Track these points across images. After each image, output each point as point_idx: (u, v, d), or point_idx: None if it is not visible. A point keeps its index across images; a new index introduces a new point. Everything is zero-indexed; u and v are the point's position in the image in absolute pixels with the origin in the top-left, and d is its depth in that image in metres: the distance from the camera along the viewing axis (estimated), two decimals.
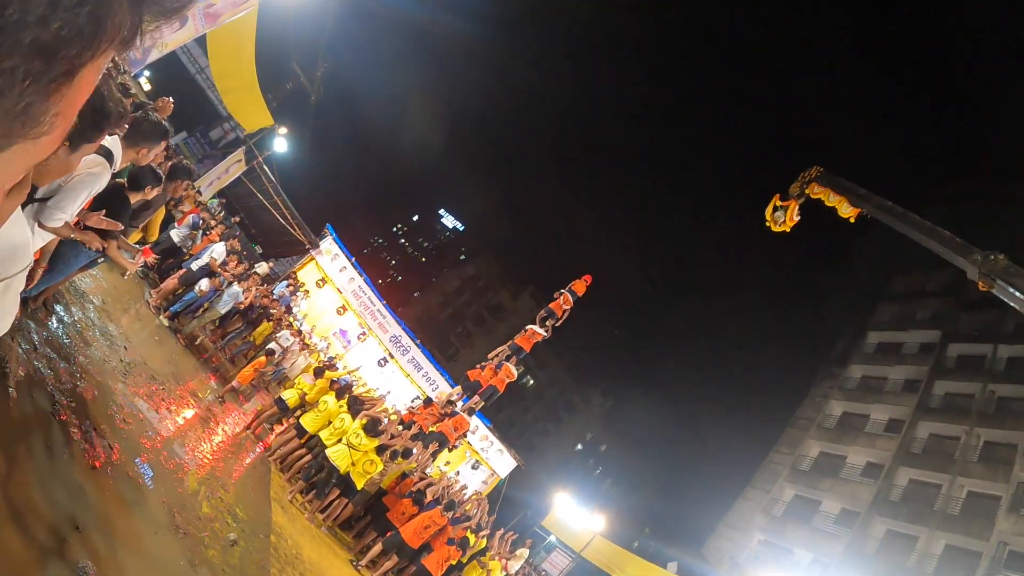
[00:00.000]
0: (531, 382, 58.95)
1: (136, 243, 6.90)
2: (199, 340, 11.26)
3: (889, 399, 30.95)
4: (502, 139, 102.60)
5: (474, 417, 14.67)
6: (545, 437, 59.87)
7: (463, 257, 68.57)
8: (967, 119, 72.55)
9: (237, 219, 22.63)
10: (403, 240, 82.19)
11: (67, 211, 3.16)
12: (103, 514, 3.47)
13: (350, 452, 8.44)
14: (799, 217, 10.80)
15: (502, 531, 10.90)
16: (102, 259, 4.71)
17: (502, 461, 18.79)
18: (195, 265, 10.78)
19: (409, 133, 78.79)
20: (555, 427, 61.19)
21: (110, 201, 4.01)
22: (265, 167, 19.42)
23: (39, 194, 3.10)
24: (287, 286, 16.64)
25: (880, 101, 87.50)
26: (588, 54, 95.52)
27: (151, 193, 4.51)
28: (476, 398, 12.88)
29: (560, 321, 14.20)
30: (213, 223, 12.98)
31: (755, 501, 31.85)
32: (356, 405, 9.08)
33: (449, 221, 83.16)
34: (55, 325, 5.05)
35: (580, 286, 14.61)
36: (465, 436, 13.17)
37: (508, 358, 13.39)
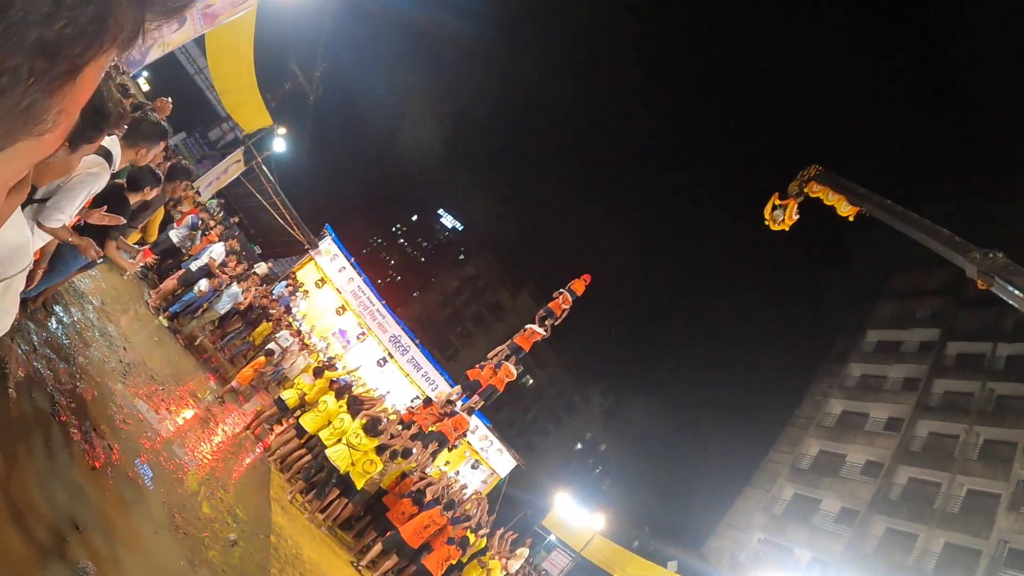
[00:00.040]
0: (531, 382, 58.97)
1: (135, 244, 6.89)
2: (198, 340, 11.26)
3: (889, 397, 30.96)
4: (501, 138, 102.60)
5: (474, 417, 14.66)
6: (545, 436, 59.90)
7: (462, 257, 68.54)
8: (966, 118, 72.58)
9: (236, 219, 22.62)
10: (402, 240, 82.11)
11: (66, 212, 3.16)
12: (103, 514, 3.47)
13: (350, 452, 8.44)
14: (798, 216, 10.80)
15: (502, 530, 10.90)
16: (101, 259, 4.71)
17: (502, 460, 18.79)
18: (194, 265, 10.78)
19: (408, 133, 78.77)
20: (555, 426, 61.22)
21: (109, 201, 4.00)
22: (264, 167, 19.42)
23: (38, 195, 3.10)
24: (286, 286, 16.63)
25: (879, 100, 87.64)
26: (588, 53, 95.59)
27: (150, 193, 4.51)
28: (475, 398, 12.88)
29: (559, 320, 14.22)
30: (212, 223, 12.97)
31: (755, 500, 31.86)
32: (356, 405, 9.08)
33: (448, 221, 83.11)
34: (54, 326, 5.05)
35: (579, 285, 14.62)
36: (465, 436, 13.17)
37: (507, 357, 13.39)
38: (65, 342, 4.97)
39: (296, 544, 6.54)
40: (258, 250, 23.04)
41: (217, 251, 11.18)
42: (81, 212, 3.54)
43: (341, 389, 9.52)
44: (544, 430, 60.26)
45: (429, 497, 9.10)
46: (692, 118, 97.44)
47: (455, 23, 57.53)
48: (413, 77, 77.09)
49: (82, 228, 4.05)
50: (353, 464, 8.44)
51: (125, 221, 4.08)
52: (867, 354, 34.78)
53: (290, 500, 8.21)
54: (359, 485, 8.51)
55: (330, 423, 8.84)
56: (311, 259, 18.52)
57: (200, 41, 17.55)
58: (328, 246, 18.76)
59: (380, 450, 8.72)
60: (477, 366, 13.45)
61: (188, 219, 12.12)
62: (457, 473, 16.37)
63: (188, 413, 7.06)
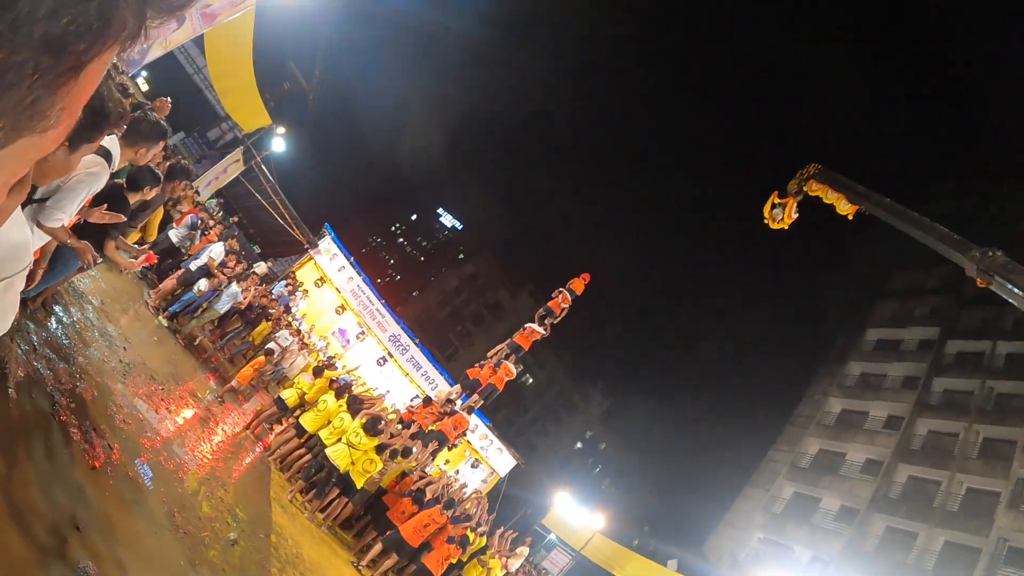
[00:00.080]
0: (530, 381, 58.98)
1: (135, 243, 6.89)
2: (198, 340, 11.26)
3: (888, 396, 30.97)
4: (501, 138, 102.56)
5: (473, 416, 14.67)
6: (545, 436, 59.91)
7: (462, 256, 68.55)
8: (965, 117, 72.63)
9: (235, 219, 22.60)
10: (402, 239, 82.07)
11: (66, 211, 3.16)
12: (103, 514, 3.47)
13: (350, 451, 8.44)
14: (797, 214, 10.79)
15: (502, 529, 10.91)
16: (100, 259, 4.71)
17: (502, 459, 18.80)
18: (194, 265, 10.78)
19: (407, 132, 78.77)
20: (554, 425, 61.22)
21: (109, 201, 4.00)
22: (263, 167, 19.41)
23: (38, 194, 3.10)
24: (286, 286, 16.63)
25: (878, 99, 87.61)
26: (588, 53, 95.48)
27: (149, 193, 4.51)
28: (475, 396, 12.89)
29: (559, 319, 14.23)
30: (211, 223, 12.97)
31: (755, 499, 31.88)
32: (355, 404, 9.08)
33: (448, 220, 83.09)
34: (54, 326, 5.05)
35: (578, 284, 14.63)
36: (464, 435, 13.20)
37: (507, 356, 13.41)
38: (65, 342, 4.97)
39: (296, 543, 6.54)
40: (257, 250, 23.03)
41: (216, 251, 11.18)
42: (81, 211, 3.54)
43: (341, 388, 9.52)
44: (544, 429, 60.26)
45: (429, 496, 9.10)
46: (692, 118, 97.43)
47: (455, 22, 57.58)
48: (413, 76, 77.19)
49: (82, 227, 4.05)
50: (353, 463, 8.44)
51: (125, 219, 4.08)
52: (866, 352, 34.80)
53: (290, 499, 8.21)
54: (359, 484, 8.51)
55: (330, 422, 8.84)
56: (310, 258, 18.52)
57: (199, 41, 17.54)
58: (327, 245, 18.75)
59: (380, 449, 8.73)
60: (477, 365, 13.47)
61: (187, 219, 12.12)
62: (457, 472, 16.37)
63: (188, 413, 7.06)
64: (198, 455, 6.09)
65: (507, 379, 13.15)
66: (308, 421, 8.92)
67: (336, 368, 11.50)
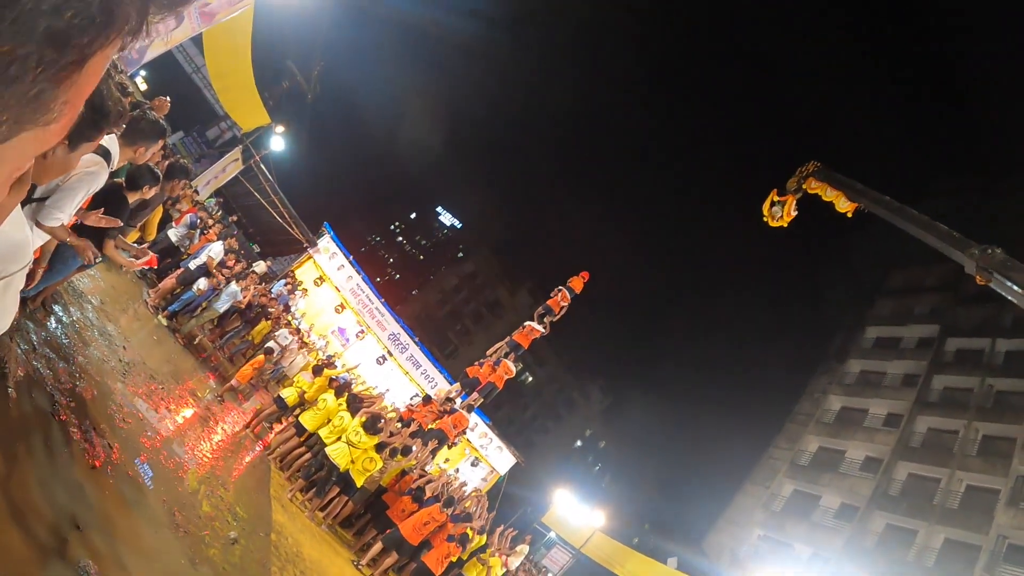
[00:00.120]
0: (530, 379, 59.03)
1: (134, 242, 6.89)
2: (198, 339, 11.26)
3: (888, 393, 31.00)
4: (500, 136, 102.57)
5: (473, 414, 14.68)
6: (544, 434, 59.96)
7: (461, 255, 68.48)
8: (965, 115, 72.63)
9: (235, 218, 22.58)
10: (401, 238, 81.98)
11: (65, 210, 3.16)
12: (103, 513, 3.47)
13: (350, 450, 8.44)
14: (796, 212, 10.79)
15: (502, 528, 10.92)
16: (100, 259, 4.71)
17: (501, 458, 18.82)
18: (193, 264, 10.77)
19: (406, 131, 78.69)
20: (554, 424, 61.29)
21: (108, 200, 4.00)
22: (262, 166, 19.39)
23: (37, 193, 3.10)
24: (285, 285, 16.63)
25: (877, 97, 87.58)
26: (587, 52, 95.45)
27: (149, 192, 4.50)
28: (475, 395, 12.90)
29: (558, 317, 14.24)
30: (211, 222, 12.96)
31: (755, 496, 31.92)
32: (355, 403, 9.09)
33: (447, 219, 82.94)
34: (54, 325, 5.04)
35: (578, 283, 14.63)
36: (464, 433, 13.21)
37: (507, 355, 13.41)
38: (64, 341, 4.97)
39: (296, 542, 6.55)
40: (257, 249, 23.03)
41: (216, 250, 11.18)
42: (79, 212, 3.54)
43: (340, 387, 9.53)
44: (543, 427, 60.32)
45: (429, 494, 9.11)
46: (692, 117, 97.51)
47: (454, 21, 57.50)
48: (412, 75, 77.08)
49: (81, 227, 4.05)
50: (353, 462, 8.44)
51: (122, 223, 4.08)
52: (866, 350, 34.83)
53: (290, 498, 8.21)
54: (359, 483, 8.52)
55: (330, 421, 8.84)
56: (310, 257, 18.52)
57: (198, 39, 17.50)
58: (327, 244, 18.75)
59: (380, 448, 8.73)
60: (476, 363, 13.47)
61: (186, 218, 12.11)
62: (457, 470, 16.39)
63: (188, 412, 7.06)
64: (198, 454, 6.09)
65: (507, 377, 13.16)
66: (308, 420, 8.92)
67: (336, 367, 11.50)
